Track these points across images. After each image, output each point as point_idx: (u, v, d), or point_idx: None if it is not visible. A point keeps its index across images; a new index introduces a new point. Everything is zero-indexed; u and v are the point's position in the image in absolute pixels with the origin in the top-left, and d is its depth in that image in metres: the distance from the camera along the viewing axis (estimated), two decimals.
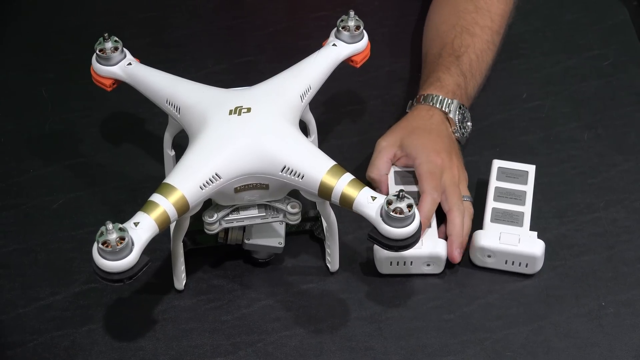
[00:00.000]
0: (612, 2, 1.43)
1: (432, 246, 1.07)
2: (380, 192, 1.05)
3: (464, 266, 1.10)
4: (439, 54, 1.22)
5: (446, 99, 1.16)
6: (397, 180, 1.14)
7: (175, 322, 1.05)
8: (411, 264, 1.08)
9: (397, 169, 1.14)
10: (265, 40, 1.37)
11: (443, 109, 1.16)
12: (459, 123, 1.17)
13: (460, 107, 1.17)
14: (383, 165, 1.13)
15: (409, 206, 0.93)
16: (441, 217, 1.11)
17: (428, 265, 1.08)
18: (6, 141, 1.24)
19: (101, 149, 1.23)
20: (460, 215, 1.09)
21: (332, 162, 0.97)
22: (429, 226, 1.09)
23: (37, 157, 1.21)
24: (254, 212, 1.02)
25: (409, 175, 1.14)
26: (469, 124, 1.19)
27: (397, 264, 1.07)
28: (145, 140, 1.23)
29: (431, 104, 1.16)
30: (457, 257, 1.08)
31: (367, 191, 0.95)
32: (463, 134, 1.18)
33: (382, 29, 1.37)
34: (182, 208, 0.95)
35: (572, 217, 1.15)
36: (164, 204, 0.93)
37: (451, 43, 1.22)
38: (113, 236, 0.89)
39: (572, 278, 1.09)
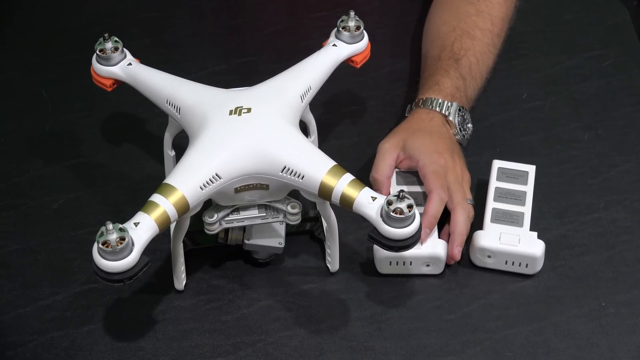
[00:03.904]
0: (612, 2, 1.43)
1: (431, 247, 1.07)
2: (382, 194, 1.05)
3: (464, 266, 1.10)
4: (439, 56, 1.22)
5: (445, 101, 1.16)
6: (398, 180, 1.14)
7: (175, 322, 1.05)
8: (410, 264, 1.08)
9: (399, 169, 1.14)
10: (265, 40, 1.37)
11: (442, 111, 1.16)
12: (458, 125, 1.17)
13: (459, 110, 1.17)
14: (386, 167, 1.12)
15: (409, 206, 0.93)
16: (442, 217, 1.11)
17: (427, 265, 1.08)
18: (6, 141, 1.24)
19: (101, 149, 1.23)
20: (464, 214, 1.09)
21: (332, 163, 0.97)
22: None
23: (37, 157, 1.21)
24: (254, 213, 1.02)
25: (410, 175, 1.14)
26: (469, 125, 1.18)
27: (397, 264, 1.07)
28: (145, 140, 1.23)
29: (430, 108, 1.16)
30: (457, 255, 1.08)
31: (367, 191, 0.95)
32: (464, 135, 1.18)
33: (383, 29, 1.37)
34: (183, 208, 0.95)
35: (572, 218, 1.15)
36: (164, 204, 0.93)
37: (451, 46, 1.22)
38: (113, 236, 0.89)
39: (572, 278, 1.09)
